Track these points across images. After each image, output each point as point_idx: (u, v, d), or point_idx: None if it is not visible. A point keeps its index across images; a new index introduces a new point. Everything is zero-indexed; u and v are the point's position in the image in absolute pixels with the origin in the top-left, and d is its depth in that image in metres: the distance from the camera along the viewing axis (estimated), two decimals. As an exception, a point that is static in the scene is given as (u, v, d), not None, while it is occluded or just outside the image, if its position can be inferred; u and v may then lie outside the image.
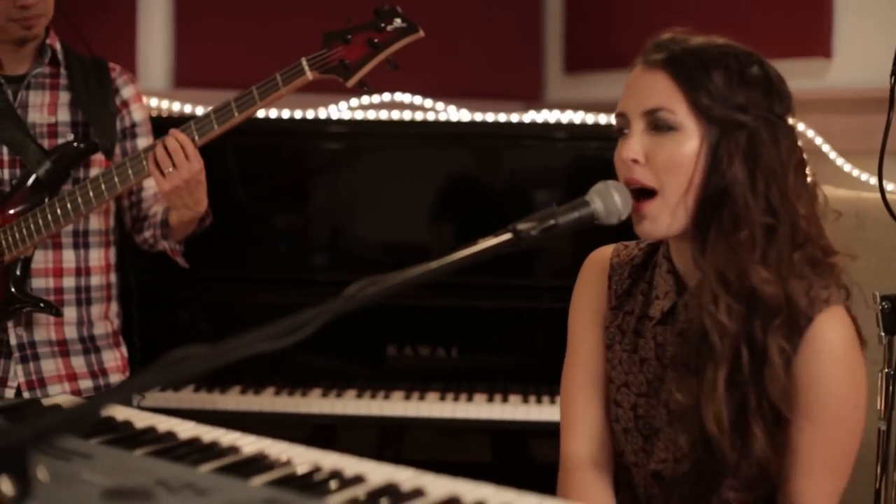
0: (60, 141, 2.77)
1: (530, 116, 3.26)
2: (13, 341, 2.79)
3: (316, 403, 3.02)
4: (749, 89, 1.70)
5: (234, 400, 3.04)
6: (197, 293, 3.21)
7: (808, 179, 1.77)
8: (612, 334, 1.91)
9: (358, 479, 1.39)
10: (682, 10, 4.01)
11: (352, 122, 3.38)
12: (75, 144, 2.75)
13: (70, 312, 2.82)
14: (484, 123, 3.31)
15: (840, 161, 3.22)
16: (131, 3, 4.25)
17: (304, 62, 2.59)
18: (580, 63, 4.67)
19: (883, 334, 2.47)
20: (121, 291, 2.96)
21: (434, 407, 3.00)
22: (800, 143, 3.01)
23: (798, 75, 3.49)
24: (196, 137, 2.61)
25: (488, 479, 1.39)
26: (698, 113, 1.70)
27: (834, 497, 1.77)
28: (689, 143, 1.70)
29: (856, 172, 3.20)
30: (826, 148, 3.24)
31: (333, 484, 1.37)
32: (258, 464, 1.46)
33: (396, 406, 3.01)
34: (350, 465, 1.44)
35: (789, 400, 1.72)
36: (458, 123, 3.35)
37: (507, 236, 1.56)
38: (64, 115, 2.80)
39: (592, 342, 1.93)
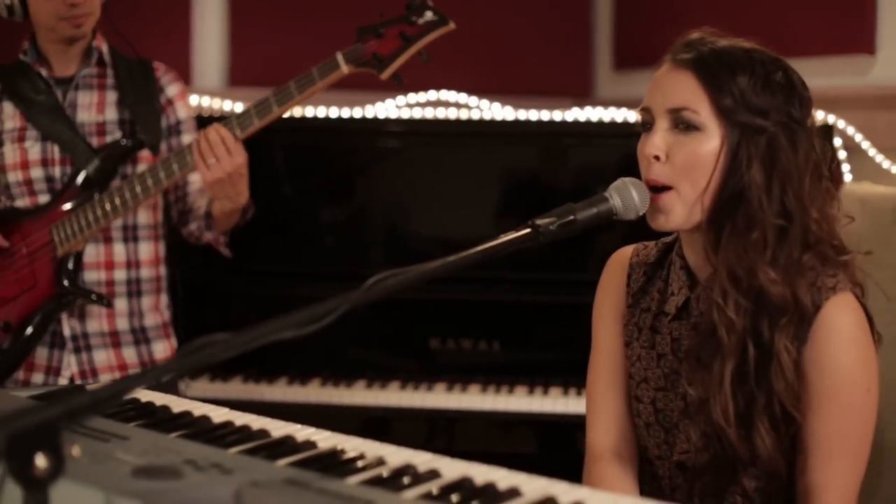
0: (108, 139, 2.87)
1: (581, 114, 3.31)
2: (67, 332, 2.89)
3: (360, 395, 3.09)
4: (772, 95, 1.75)
5: (280, 391, 3.13)
6: (245, 287, 3.30)
7: (824, 183, 1.81)
8: (631, 332, 1.96)
9: (380, 462, 1.46)
10: (728, 7, 4.04)
11: (405, 121, 3.44)
12: (122, 142, 2.84)
13: (121, 304, 2.92)
14: (536, 122, 3.35)
15: (879, 158, 3.23)
16: (186, 3, 4.34)
17: (339, 56, 2.66)
18: (629, 60, 4.70)
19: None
20: (170, 284, 3.06)
21: (475, 399, 3.06)
22: (837, 140, 3.03)
23: (841, 72, 3.51)
24: (238, 132, 2.69)
25: (535, 470, 1.42)
26: (721, 115, 1.74)
27: (854, 483, 1.79)
28: (710, 143, 1.75)
29: (895, 169, 3.21)
30: (865, 145, 3.25)
31: (359, 464, 1.44)
32: (285, 446, 1.53)
33: (438, 398, 3.08)
34: (371, 448, 1.51)
35: (797, 398, 1.76)
36: (510, 122, 3.40)
37: (525, 231, 1.62)
38: (111, 114, 2.90)
39: (613, 340, 1.98)
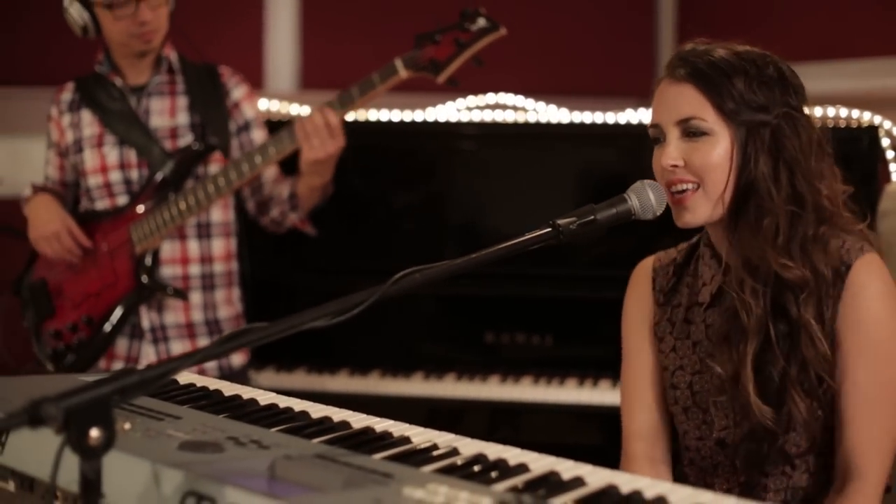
0: (181, 142, 3.06)
1: (645, 115, 3.39)
2: (145, 324, 3.08)
3: (418, 386, 3.24)
4: (768, 89, 1.87)
5: (342, 382, 3.29)
6: (310, 282, 3.45)
7: (828, 160, 1.92)
8: (663, 328, 2.07)
9: (405, 440, 1.60)
10: (782, 10, 4.11)
11: (467, 124, 3.56)
12: (195, 147, 3.03)
13: (196, 297, 3.10)
14: (601, 124, 3.44)
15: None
16: (259, 8, 4.52)
17: (397, 61, 2.82)
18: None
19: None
20: (241, 278, 3.24)
21: (527, 391, 3.19)
22: (885, 140, 3.10)
23: (892, 73, 3.57)
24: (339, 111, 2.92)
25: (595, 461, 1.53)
26: (726, 117, 1.86)
27: (891, 434, 1.89)
28: (721, 145, 1.87)
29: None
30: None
31: (385, 442, 1.59)
32: (321, 426, 1.68)
33: (493, 389, 3.21)
34: (399, 429, 1.66)
35: (828, 363, 1.87)
36: (575, 124, 3.48)
37: (546, 230, 1.74)
38: (183, 119, 3.09)
39: (643, 347, 2.10)
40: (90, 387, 1.31)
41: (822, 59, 4.10)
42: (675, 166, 1.89)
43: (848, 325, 1.87)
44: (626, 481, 1.43)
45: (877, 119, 3.30)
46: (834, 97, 3.48)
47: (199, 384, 1.96)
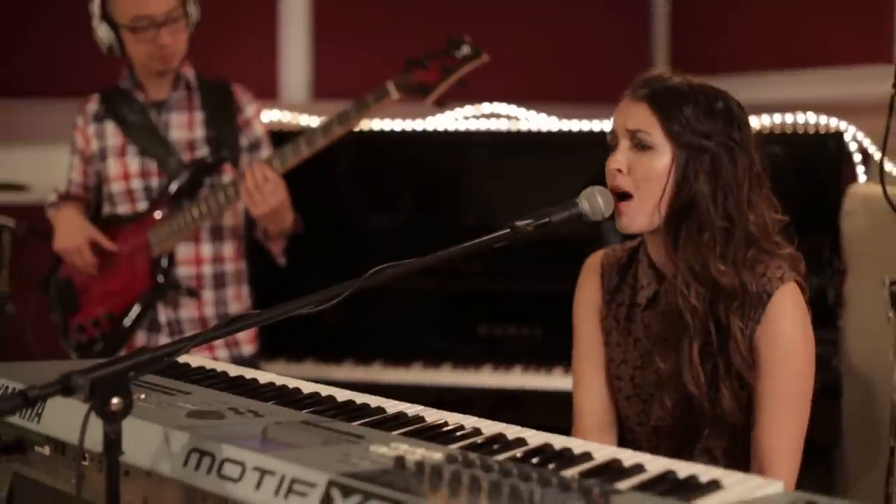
0: (197, 154, 3.35)
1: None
2: (162, 319, 3.37)
3: (415, 375, 3.53)
4: (713, 120, 2.12)
5: (347, 371, 3.57)
6: (315, 280, 3.70)
7: (764, 191, 2.17)
8: (610, 324, 2.33)
9: (379, 410, 1.87)
10: (766, 22, 4.36)
11: (462, 133, 3.82)
12: (207, 159, 3.33)
13: (208, 294, 3.39)
14: (601, 132, 3.70)
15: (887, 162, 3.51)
16: (272, 23, 4.78)
17: (389, 84, 3.09)
18: (686, 68, 5.03)
19: (892, 314, 2.82)
20: (250, 277, 3.51)
21: (517, 378, 3.47)
22: (853, 145, 3.33)
23: (862, 81, 3.80)
24: (278, 166, 3.15)
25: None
26: (670, 137, 2.12)
27: (798, 434, 2.15)
28: (662, 160, 2.13)
29: None
30: (873, 150, 3.53)
31: (363, 412, 1.86)
32: (310, 399, 1.97)
33: (486, 377, 3.50)
34: (375, 401, 1.93)
35: (750, 367, 2.13)
36: (570, 132, 3.74)
37: (505, 231, 2.01)
38: (199, 132, 3.38)
39: (592, 331, 2.35)
40: (111, 363, 1.59)
41: (792, 67, 4.36)
42: (619, 171, 2.15)
43: (764, 343, 2.12)
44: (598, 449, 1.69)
45: (843, 125, 3.54)
46: (803, 104, 3.72)
47: (208, 367, 2.24)
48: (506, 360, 3.58)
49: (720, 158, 2.12)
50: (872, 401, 3.30)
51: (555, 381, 3.46)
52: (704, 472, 1.56)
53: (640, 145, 2.14)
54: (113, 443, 1.58)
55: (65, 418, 1.83)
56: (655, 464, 1.62)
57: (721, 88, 2.18)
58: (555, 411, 3.74)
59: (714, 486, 1.51)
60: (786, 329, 2.13)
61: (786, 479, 2.11)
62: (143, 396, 1.82)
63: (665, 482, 1.54)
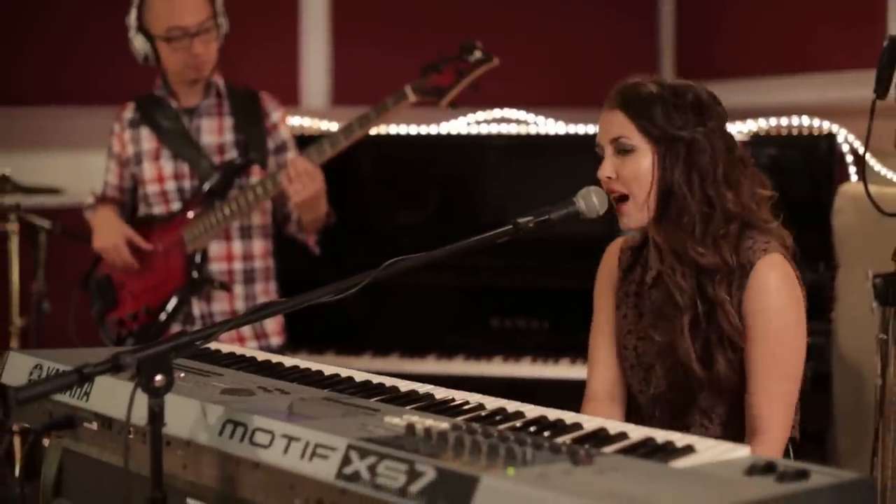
0: (227, 157, 3.57)
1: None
2: (196, 312, 3.59)
3: (430, 365, 3.74)
4: (684, 113, 2.33)
5: (365, 363, 3.78)
6: (337, 276, 3.93)
7: (748, 169, 2.37)
8: (621, 298, 2.54)
9: (393, 389, 2.08)
10: (766, 28, 4.54)
11: (476, 136, 4.03)
12: (237, 161, 3.55)
13: (238, 289, 3.61)
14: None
15: (872, 162, 3.69)
16: (293, 33, 4.96)
17: (407, 88, 3.31)
18: (692, 73, 5.23)
19: (875, 305, 3.00)
20: (277, 273, 3.73)
21: (526, 368, 3.68)
22: (845, 147, 3.51)
23: (855, 85, 3.98)
24: (315, 159, 3.36)
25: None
26: (647, 137, 2.33)
27: (787, 398, 2.34)
28: (645, 159, 2.33)
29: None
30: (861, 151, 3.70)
31: (380, 390, 2.06)
32: (331, 380, 2.17)
33: (496, 368, 3.71)
34: (389, 381, 2.14)
35: (740, 333, 2.32)
36: (578, 136, 3.94)
37: (507, 227, 2.21)
38: (229, 137, 3.60)
39: (608, 307, 2.57)
40: (154, 345, 1.80)
41: (788, 72, 4.54)
42: (609, 178, 2.35)
43: (751, 311, 2.32)
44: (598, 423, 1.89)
45: (835, 128, 3.74)
46: (797, 107, 3.91)
47: (237, 353, 2.46)
48: (516, 351, 3.79)
49: (695, 146, 2.32)
50: (861, 388, 3.49)
51: (561, 370, 3.67)
52: (680, 439, 1.76)
53: (623, 150, 2.34)
54: (157, 415, 1.77)
55: (111, 396, 2.04)
56: (638, 432, 1.82)
57: (693, 83, 2.38)
58: (561, 399, 3.94)
59: (688, 449, 1.71)
60: (770, 296, 2.31)
61: (775, 440, 2.31)
62: (182, 375, 2.04)
63: (645, 447, 1.73)
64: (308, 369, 2.28)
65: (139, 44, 3.53)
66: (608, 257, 2.60)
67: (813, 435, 3.51)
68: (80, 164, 4.52)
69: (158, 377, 1.77)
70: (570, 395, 3.90)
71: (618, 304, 2.54)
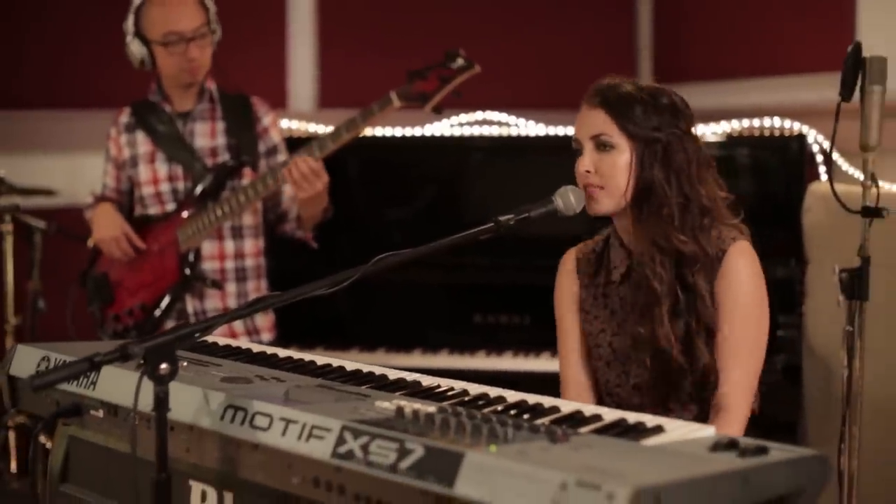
0: (219, 159, 3.70)
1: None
2: (189, 309, 3.71)
3: (416, 360, 3.86)
4: (661, 115, 2.47)
5: (353, 358, 3.89)
6: (328, 274, 4.05)
7: (711, 171, 2.53)
8: (588, 303, 2.65)
9: (383, 378, 2.21)
10: (741, 32, 4.68)
11: (458, 138, 4.16)
12: (229, 163, 3.68)
13: (230, 287, 3.73)
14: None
15: (840, 161, 3.83)
16: (280, 37, 5.08)
17: (392, 94, 3.44)
18: (669, 75, 5.37)
19: (842, 298, 3.14)
20: (268, 271, 3.85)
21: (508, 362, 3.82)
22: (815, 147, 3.66)
23: (827, 87, 4.12)
24: (318, 155, 3.48)
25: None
26: (627, 135, 2.46)
27: (752, 374, 2.49)
28: (623, 156, 2.47)
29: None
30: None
31: (369, 378, 2.19)
32: (323, 369, 2.30)
33: (479, 362, 3.85)
34: (379, 369, 2.27)
35: (715, 319, 2.47)
36: (557, 137, 4.07)
37: (489, 225, 2.34)
38: (221, 140, 3.73)
39: (572, 319, 2.69)
40: (159, 335, 1.92)
41: (759, 75, 4.69)
42: (588, 171, 2.48)
43: (721, 292, 2.47)
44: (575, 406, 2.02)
45: (805, 129, 3.88)
46: (768, 109, 4.05)
47: (234, 345, 2.59)
48: (498, 346, 3.93)
49: (671, 146, 2.47)
50: (829, 378, 3.63)
51: (542, 364, 3.80)
52: (650, 420, 1.90)
53: (603, 146, 2.48)
54: (162, 401, 1.89)
55: (117, 385, 2.16)
56: (611, 414, 1.95)
57: (665, 87, 2.53)
58: (541, 392, 4.09)
59: (658, 429, 1.84)
60: (739, 278, 2.47)
61: (738, 415, 2.45)
62: (184, 365, 2.16)
63: (618, 427, 1.87)
64: (301, 360, 2.41)
65: (136, 49, 3.65)
66: (563, 272, 2.72)
67: (784, 424, 3.66)
68: (75, 166, 4.63)
69: (164, 365, 1.89)
70: (550, 387, 4.04)
71: (586, 309, 2.66)
